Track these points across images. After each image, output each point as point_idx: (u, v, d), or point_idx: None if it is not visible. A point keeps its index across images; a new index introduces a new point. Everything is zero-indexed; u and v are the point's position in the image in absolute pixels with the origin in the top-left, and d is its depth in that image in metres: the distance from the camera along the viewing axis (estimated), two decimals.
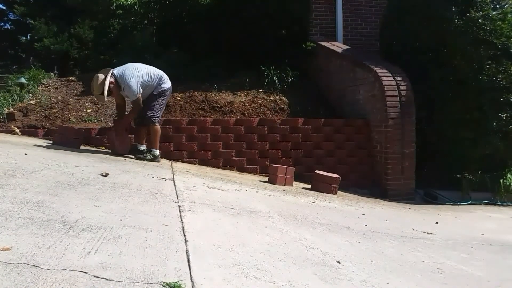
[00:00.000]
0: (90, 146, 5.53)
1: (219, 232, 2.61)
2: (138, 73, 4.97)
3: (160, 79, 5.14)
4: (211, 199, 3.49)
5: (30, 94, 6.67)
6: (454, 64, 6.10)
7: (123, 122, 5.25)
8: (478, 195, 6.33)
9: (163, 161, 5.35)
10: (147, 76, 5.04)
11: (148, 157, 5.11)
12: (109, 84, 4.82)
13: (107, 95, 4.89)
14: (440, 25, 6.16)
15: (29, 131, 5.68)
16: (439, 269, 2.76)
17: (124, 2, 8.51)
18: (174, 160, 5.64)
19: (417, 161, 6.03)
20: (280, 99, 7.03)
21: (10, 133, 5.59)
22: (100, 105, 6.44)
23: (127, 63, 5.17)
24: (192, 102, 6.62)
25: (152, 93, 5.11)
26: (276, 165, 5.40)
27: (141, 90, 5.00)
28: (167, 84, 5.21)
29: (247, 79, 7.24)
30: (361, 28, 8.17)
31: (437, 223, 4.42)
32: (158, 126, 5.20)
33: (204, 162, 5.79)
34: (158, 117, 5.23)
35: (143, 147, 5.21)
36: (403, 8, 6.68)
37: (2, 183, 2.73)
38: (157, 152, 5.19)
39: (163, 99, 5.21)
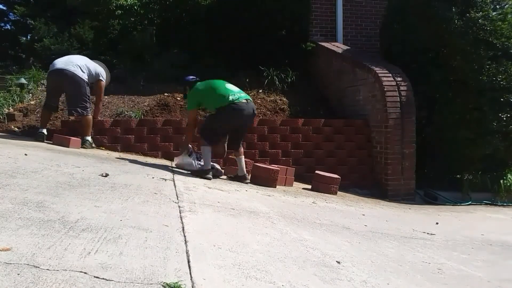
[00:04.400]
0: None
1: (219, 232, 2.61)
2: None
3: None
4: (211, 200, 3.49)
5: (30, 94, 6.66)
6: (454, 65, 6.10)
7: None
8: (478, 196, 6.33)
9: (163, 161, 5.34)
10: None
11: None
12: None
13: None
14: (440, 25, 6.16)
15: (29, 131, 5.67)
16: (439, 269, 2.76)
17: (124, 2, 8.50)
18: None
19: (417, 161, 6.02)
20: (280, 100, 7.03)
21: (10, 133, 5.58)
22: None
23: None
24: None
25: None
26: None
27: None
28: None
29: (247, 79, 7.23)
30: (361, 28, 8.16)
31: (437, 223, 4.42)
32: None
33: None
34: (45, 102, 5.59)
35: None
36: (403, 8, 6.68)
37: (2, 184, 2.73)
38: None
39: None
